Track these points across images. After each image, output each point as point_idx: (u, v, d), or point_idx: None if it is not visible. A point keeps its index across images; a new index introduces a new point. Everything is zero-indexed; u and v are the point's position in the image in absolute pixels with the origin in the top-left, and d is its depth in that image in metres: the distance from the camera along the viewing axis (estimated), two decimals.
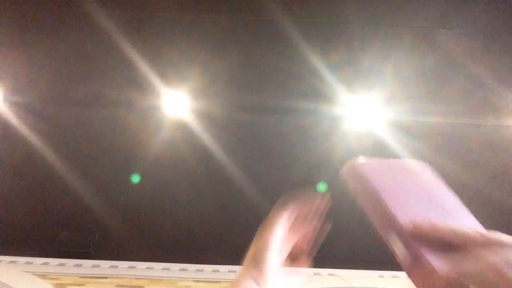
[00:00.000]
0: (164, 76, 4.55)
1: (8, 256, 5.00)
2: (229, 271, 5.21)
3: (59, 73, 4.69)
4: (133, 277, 5.10)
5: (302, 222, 0.56)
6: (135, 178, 5.08)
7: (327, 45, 4.38)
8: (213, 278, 5.15)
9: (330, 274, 5.06)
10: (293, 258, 0.55)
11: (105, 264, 5.20)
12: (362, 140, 4.92)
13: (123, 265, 5.22)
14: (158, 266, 5.26)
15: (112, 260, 5.25)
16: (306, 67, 4.44)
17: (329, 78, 4.48)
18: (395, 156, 4.90)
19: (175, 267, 5.25)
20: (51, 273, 4.95)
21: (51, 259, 5.14)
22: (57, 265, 5.11)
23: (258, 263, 0.50)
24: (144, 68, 4.43)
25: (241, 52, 4.52)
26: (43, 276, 4.87)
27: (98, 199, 5.16)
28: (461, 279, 0.32)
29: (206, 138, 4.90)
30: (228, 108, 4.85)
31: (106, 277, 5.06)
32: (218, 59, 4.51)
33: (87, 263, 5.20)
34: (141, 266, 5.23)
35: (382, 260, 4.67)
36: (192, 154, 5.01)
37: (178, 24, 4.29)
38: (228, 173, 5.02)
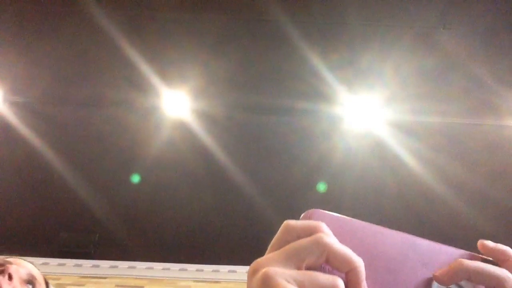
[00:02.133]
0: (164, 76, 4.55)
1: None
2: (229, 271, 5.21)
3: (59, 73, 4.70)
4: (133, 277, 5.10)
5: None
6: (135, 178, 5.08)
7: (327, 45, 4.38)
8: (213, 278, 5.15)
9: None
10: None
11: (105, 264, 5.20)
12: (362, 140, 4.93)
13: (123, 265, 5.22)
14: (158, 266, 5.26)
15: (112, 260, 5.25)
16: (306, 67, 4.45)
17: (329, 78, 4.48)
18: (395, 156, 4.91)
19: (175, 267, 5.25)
20: (51, 273, 4.94)
21: (51, 259, 5.14)
22: (57, 265, 5.11)
23: None
24: (144, 68, 4.43)
25: (241, 52, 4.52)
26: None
27: (98, 199, 5.16)
28: None
29: (206, 138, 4.91)
30: (228, 108, 4.85)
31: (106, 277, 5.06)
32: (218, 59, 4.51)
33: (87, 263, 5.20)
34: (141, 266, 5.23)
35: None
36: (192, 154, 5.01)
37: (178, 24, 4.30)
38: (228, 173, 5.02)
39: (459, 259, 0.35)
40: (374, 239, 0.35)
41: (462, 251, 0.37)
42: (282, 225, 0.35)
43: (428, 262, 0.35)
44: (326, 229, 0.34)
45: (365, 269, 0.33)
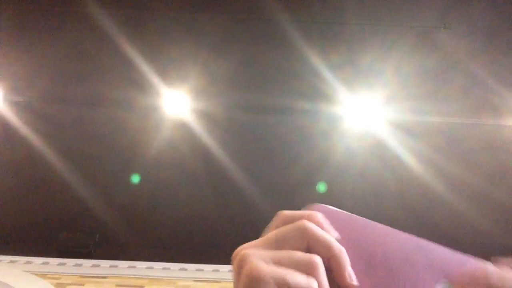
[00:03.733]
0: (164, 76, 4.55)
1: (8, 256, 5.00)
2: (229, 271, 5.21)
3: (59, 72, 4.70)
4: (133, 277, 5.10)
5: None
6: (135, 178, 5.08)
7: (327, 45, 4.38)
8: (213, 278, 5.15)
9: None
10: None
11: (105, 264, 5.20)
12: (362, 140, 4.92)
13: (123, 265, 5.22)
14: (158, 266, 5.26)
15: (112, 259, 5.25)
16: (306, 66, 4.44)
17: (329, 77, 4.48)
18: (395, 156, 4.91)
19: (175, 267, 5.25)
20: (51, 272, 4.95)
21: (51, 258, 5.14)
22: (57, 265, 5.11)
23: None
24: (144, 67, 4.43)
25: (241, 52, 4.52)
26: (43, 275, 4.87)
27: (98, 199, 5.16)
28: None
29: (206, 138, 4.91)
30: (228, 108, 4.85)
31: (106, 277, 5.06)
32: (218, 58, 4.51)
33: (87, 263, 5.20)
34: (141, 266, 5.23)
35: None
36: (192, 154, 5.01)
37: (178, 24, 4.30)
38: (228, 173, 5.02)
39: (483, 266, 0.32)
40: (378, 238, 0.35)
41: (475, 259, 0.35)
42: (276, 214, 0.35)
43: (436, 266, 0.34)
44: (321, 219, 0.34)
45: (364, 266, 0.32)
